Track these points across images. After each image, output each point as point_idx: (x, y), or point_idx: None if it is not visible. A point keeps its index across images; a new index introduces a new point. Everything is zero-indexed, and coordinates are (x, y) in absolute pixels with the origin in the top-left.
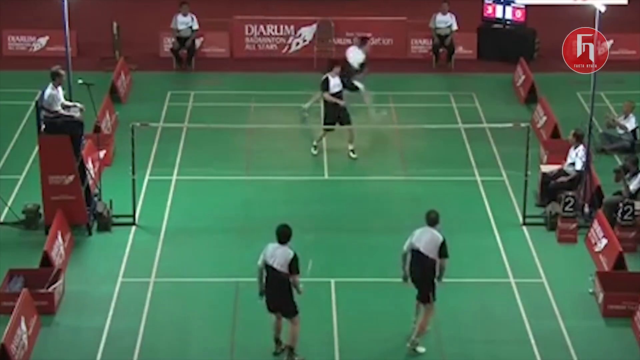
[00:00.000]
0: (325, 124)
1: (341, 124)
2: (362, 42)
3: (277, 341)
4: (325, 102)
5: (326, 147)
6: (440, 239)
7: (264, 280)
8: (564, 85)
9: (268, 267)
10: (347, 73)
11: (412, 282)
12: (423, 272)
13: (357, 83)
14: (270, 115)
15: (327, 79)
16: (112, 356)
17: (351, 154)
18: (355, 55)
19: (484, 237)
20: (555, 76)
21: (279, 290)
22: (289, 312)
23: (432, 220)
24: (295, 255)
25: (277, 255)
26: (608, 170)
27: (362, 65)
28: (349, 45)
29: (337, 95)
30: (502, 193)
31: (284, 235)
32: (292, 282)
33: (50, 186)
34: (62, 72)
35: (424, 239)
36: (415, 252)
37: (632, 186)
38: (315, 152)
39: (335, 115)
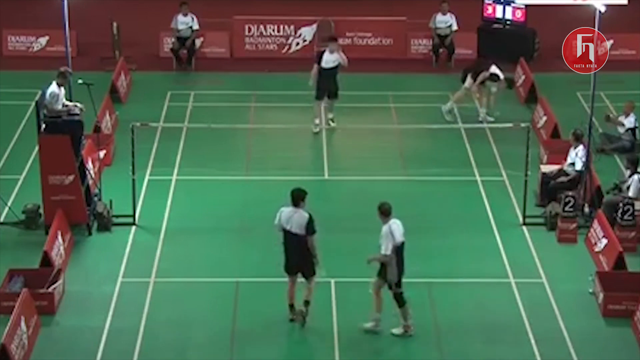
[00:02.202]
0: (317, 95)
1: (328, 97)
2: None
3: (292, 307)
4: (319, 74)
5: (326, 146)
6: (306, 216)
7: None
8: (564, 85)
9: (286, 231)
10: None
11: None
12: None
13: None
14: (270, 115)
15: (323, 52)
16: (112, 356)
17: (330, 122)
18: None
19: (484, 237)
20: (555, 76)
21: (299, 252)
22: (309, 272)
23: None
24: (310, 217)
25: (294, 220)
26: (608, 170)
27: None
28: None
29: (329, 70)
30: (502, 193)
31: (298, 197)
32: (310, 243)
33: (50, 186)
34: (68, 73)
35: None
36: (401, 245)
37: (631, 192)
38: (316, 130)
39: (326, 86)
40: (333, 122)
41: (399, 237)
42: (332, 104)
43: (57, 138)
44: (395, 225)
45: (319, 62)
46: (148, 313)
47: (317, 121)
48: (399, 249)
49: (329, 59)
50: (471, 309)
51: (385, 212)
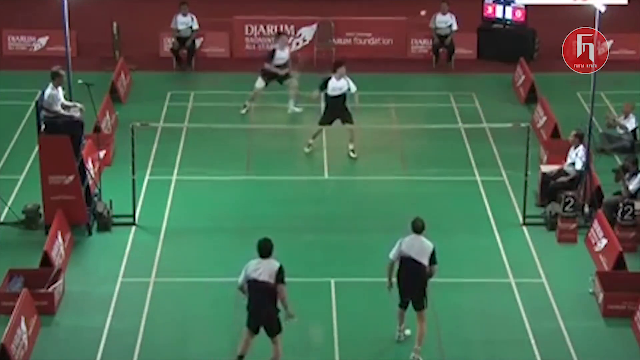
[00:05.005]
0: (321, 121)
1: (343, 122)
2: (277, 36)
3: (241, 358)
4: (325, 99)
5: (326, 146)
6: (431, 245)
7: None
8: (564, 85)
9: (253, 281)
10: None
11: (402, 290)
12: (418, 279)
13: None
14: (270, 115)
15: (328, 79)
16: (112, 356)
17: (351, 153)
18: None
19: (484, 237)
20: (555, 76)
21: (266, 303)
22: (273, 328)
23: (418, 227)
24: (281, 266)
25: (262, 268)
26: (608, 170)
27: (271, 52)
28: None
29: (337, 98)
30: (502, 193)
31: (265, 249)
32: (279, 290)
33: (50, 186)
34: (62, 72)
35: (415, 246)
36: (408, 260)
37: (632, 186)
38: (307, 150)
39: (335, 113)
40: (354, 153)
41: (406, 250)
42: (353, 133)
43: (57, 138)
44: (409, 240)
45: (325, 88)
46: (148, 313)
47: (310, 141)
48: (406, 262)
49: (336, 86)
50: (471, 308)
51: (413, 228)
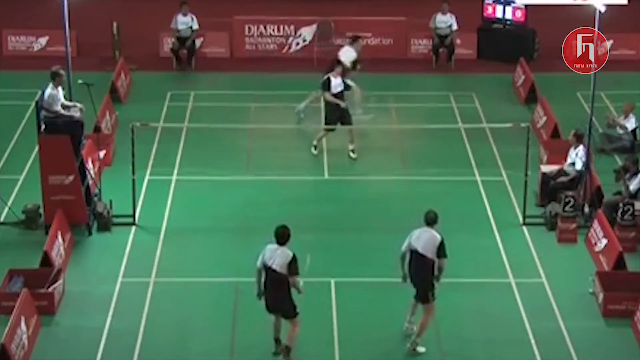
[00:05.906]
0: (326, 123)
1: (342, 124)
2: (354, 40)
3: (277, 341)
4: (327, 101)
5: (326, 147)
6: (439, 238)
7: (262, 281)
8: (564, 85)
9: (267, 268)
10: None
11: (411, 282)
12: (422, 272)
13: (348, 81)
14: (270, 115)
15: (328, 79)
16: (112, 356)
17: (351, 154)
18: (347, 54)
19: (484, 237)
20: (555, 76)
21: (278, 291)
22: (288, 312)
23: (430, 220)
24: (294, 256)
25: (276, 256)
26: (608, 170)
27: (354, 63)
28: (342, 46)
29: (339, 95)
30: (502, 193)
31: (282, 236)
32: (292, 283)
33: (50, 186)
34: (62, 72)
35: (423, 238)
36: (414, 253)
37: (632, 186)
38: (315, 152)
39: (337, 115)
40: (354, 153)
41: (414, 242)
42: (352, 134)
43: (57, 138)
44: (419, 232)
45: (328, 89)
46: (148, 313)
47: (315, 142)
48: (413, 254)
49: (337, 83)
50: (471, 309)
51: (425, 220)
